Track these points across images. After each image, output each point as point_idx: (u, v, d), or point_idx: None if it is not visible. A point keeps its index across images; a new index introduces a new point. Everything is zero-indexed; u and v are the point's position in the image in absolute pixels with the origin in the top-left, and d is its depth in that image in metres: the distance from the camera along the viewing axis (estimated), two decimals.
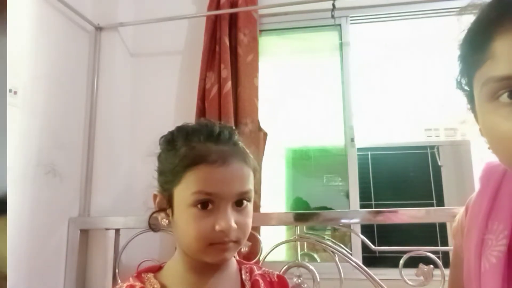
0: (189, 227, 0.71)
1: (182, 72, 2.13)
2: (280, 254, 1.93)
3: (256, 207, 1.82)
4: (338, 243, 1.65)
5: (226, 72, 1.97)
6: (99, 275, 1.75)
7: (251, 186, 0.75)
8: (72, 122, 1.83)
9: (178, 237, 0.76)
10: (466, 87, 0.61)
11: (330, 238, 1.82)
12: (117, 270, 1.70)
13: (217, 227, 0.70)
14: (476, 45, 0.55)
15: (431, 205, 1.95)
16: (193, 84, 2.03)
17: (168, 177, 0.75)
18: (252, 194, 0.76)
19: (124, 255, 1.73)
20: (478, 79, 0.56)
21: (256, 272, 0.84)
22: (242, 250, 1.58)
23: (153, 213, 0.80)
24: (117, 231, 1.76)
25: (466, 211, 0.72)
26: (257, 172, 0.80)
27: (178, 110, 2.09)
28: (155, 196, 0.79)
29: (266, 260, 1.62)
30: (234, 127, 0.84)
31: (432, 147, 2.05)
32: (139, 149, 2.02)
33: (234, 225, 0.70)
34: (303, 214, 1.73)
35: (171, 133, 0.80)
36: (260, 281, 0.82)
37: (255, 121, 1.98)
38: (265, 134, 1.98)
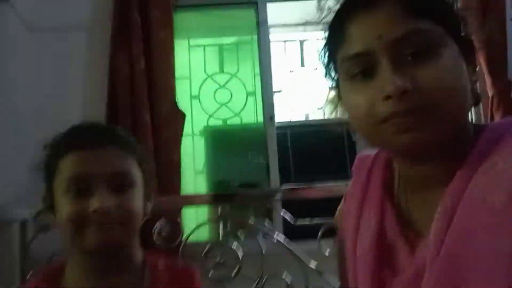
0: (63, 213, 0.70)
1: (90, 50, 1.99)
2: (204, 235, 1.92)
3: (176, 188, 1.78)
4: (261, 220, 1.67)
5: (137, 50, 1.87)
6: (5, 273, 1.60)
7: (130, 169, 0.75)
8: None
9: (63, 232, 0.73)
10: (332, 74, 0.65)
11: (252, 217, 1.84)
12: (26, 266, 1.57)
13: (91, 208, 0.69)
14: (335, 30, 0.60)
15: (347, 177, 2.04)
16: (102, 64, 1.90)
17: (45, 174, 0.76)
18: (136, 179, 0.76)
19: (36, 248, 1.59)
20: (338, 62, 0.60)
21: (161, 265, 0.81)
22: (163, 233, 1.55)
23: (38, 212, 0.80)
24: (23, 223, 1.61)
25: (345, 199, 0.76)
26: (144, 161, 0.81)
27: (87, 92, 1.95)
28: (43, 198, 0.78)
29: (189, 240, 1.59)
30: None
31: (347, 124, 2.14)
32: (47, 135, 1.85)
33: (109, 205, 0.69)
34: (224, 196, 1.74)
35: (54, 136, 0.80)
36: (164, 275, 0.80)
37: (172, 102, 1.92)
38: (183, 115, 1.93)
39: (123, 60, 1.88)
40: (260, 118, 2.14)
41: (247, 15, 2.24)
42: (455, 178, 0.55)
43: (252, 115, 2.19)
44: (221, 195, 1.70)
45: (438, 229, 0.54)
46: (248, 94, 2.20)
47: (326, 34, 0.64)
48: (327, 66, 0.65)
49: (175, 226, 1.59)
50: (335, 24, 0.61)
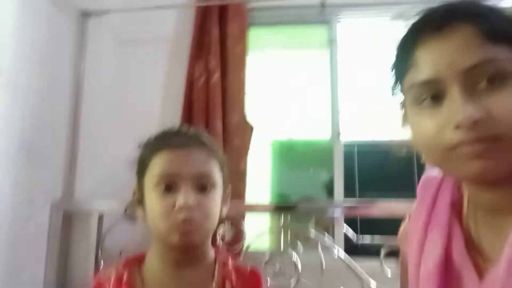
0: (154, 208, 0.76)
1: (170, 62, 2.12)
2: (265, 244, 1.94)
3: (241, 196, 1.83)
4: (322, 232, 1.66)
5: (214, 63, 1.98)
6: (82, 260, 1.74)
7: (213, 171, 0.81)
8: (56, 106, 1.81)
9: (149, 224, 0.80)
10: (399, 96, 0.64)
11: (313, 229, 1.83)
12: (100, 255, 1.69)
13: (176, 204, 0.74)
14: (403, 54, 0.59)
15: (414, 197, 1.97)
16: (180, 74, 2.02)
17: (139, 169, 0.83)
18: (217, 181, 0.81)
19: (108, 239, 1.71)
20: (405, 86, 0.59)
21: (230, 264, 0.85)
22: (226, 238, 1.59)
23: (129, 204, 0.88)
24: (101, 215, 1.74)
25: (409, 220, 0.75)
26: (224, 166, 0.86)
27: (165, 99, 2.08)
28: (134, 192, 0.86)
29: (250, 249, 1.62)
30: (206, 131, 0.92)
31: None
32: (125, 136, 2.00)
33: (192, 201, 0.74)
34: (286, 206, 1.75)
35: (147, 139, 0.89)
36: (233, 273, 0.83)
37: (242, 114, 1.99)
38: (252, 127, 1.99)
39: (200, 71, 1.99)
40: (328, 134, 2.14)
41: (319, 32, 2.27)
42: None
43: (320, 131, 2.20)
44: (283, 205, 1.71)
45: (510, 257, 0.52)
46: (318, 110, 2.21)
47: (394, 56, 0.63)
48: (393, 88, 0.64)
49: (238, 232, 1.64)
50: (404, 47, 0.60)
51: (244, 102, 2.01)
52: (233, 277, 0.82)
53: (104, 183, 1.91)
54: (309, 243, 1.65)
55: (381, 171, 2.18)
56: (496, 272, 0.53)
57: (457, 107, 0.51)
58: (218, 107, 1.94)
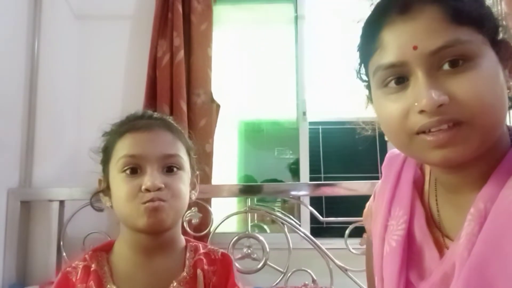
0: (120, 191, 0.75)
1: (132, 39, 2.03)
2: (231, 226, 1.95)
3: (208, 179, 1.81)
4: (288, 215, 1.69)
5: (178, 40, 1.91)
6: (42, 249, 1.68)
7: (179, 153, 0.80)
8: (9, 87, 1.71)
9: (116, 209, 0.79)
10: (364, 77, 0.65)
11: (280, 210, 1.86)
12: (61, 243, 1.64)
13: (143, 186, 0.73)
14: (368, 35, 0.59)
15: (377, 177, 2.03)
16: (143, 52, 1.94)
17: (104, 156, 0.82)
18: (183, 163, 0.80)
19: (70, 227, 1.67)
20: (371, 68, 0.59)
21: (201, 250, 0.85)
22: (193, 221, 1.59)
23: (95, 193, 0.85)
24: (62, 202, 1.69)
25: (374, 197, 0.77)
26: (191, 150, 0.86)
27: (127, 79, 2.00)
28: (100, 180, 0.84)
29: (217, 231, 1.63)
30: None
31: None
32: (86, 118, 1.92)
33: (159, 183, 0.74)
34: (254, 186, 1.76)
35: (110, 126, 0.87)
36: (204, 260, 0.82)
37: (208, 92, 1.95)
38: (218, 106, 1.95)
39: (164, 49, 1.92)
40: (294, 114, 2.14)
41: (285, 10, 2.23)
42: (489, 183, 0.54)
43: (286, 110, 2.19)
44: (249, 187, 1.72)
45: (469, 232, 0.53)
46: (283, 89, 2.20)
47: (360, 37, 0.63)
48: (358, 70, 0.65)
49: (205, 216, 1.63)
50: (369, 28, 0.60)
51: (210, 81, 1.96)
52: (204, 264, 0.82)
53: (64, 169, 1.84)
54: (276, 224, 1.68)
55: (346, 151, 2.22)
56: (455, 248, 0.55)
57: (422, 91, 0.51)
58: (183, 87, 1.89)
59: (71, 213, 1.66)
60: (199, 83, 1.94)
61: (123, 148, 0.77)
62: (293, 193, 1.67)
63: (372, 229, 0.74)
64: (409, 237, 0.64)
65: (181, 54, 1.90)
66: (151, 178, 0.73)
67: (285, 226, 1.62)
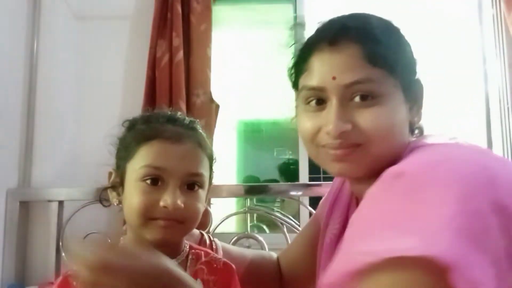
0: (134, 200, 0.71)
1: (131, 39, 2.03)
2: (231, 226, 1.95)
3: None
4: (287, 215, 1.69)
5: (178, 41, 1.90)
6: (42, 249, 1.69)
7: (204, 171, 0.75)
8: (9, 87, 1.71)
9: (125, 213, 0.75)
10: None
11: (279, 210, 1.86)
12: (61, 244, 1.64)
13: (162, 203, 0.70)
14: (301, 57, 0.69)
15: None
16: (143, 52, 1.93)
17: (123, 152, 0.76)
18: (205, 181, 0.76)
19: (69, 228, 1.67)
20: (299, 85, 0.69)
21: (203, 259, 0.83)
22: None
23: (105, 188, 0.79)
24: (61, 203, 1.69)
25: (326, 195, 0.91)
26: (213, 162, 0.81)
27: (127, 79, 2.00)
28: (110, 173, 0.79)
29: (216, 231, 1.63)
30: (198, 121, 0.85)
31: None
32: (85, 118, 1.92)
33: (180, 203, 0.70)
34: (253, 187, 1.76)
35: (135, 117, 0.81)
36: (205, 269, 0.81)
37: (207, 93, 1.94)
38: (217, 106, 1.95)
39: (163, 49, 1.91)
40: (293, 114, 2.13)
41: (285, 10, 2.24)
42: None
43: (285, 110, 2.19)
44: (249, 187, 1.72)
45: (346, 231, 0.62)
46: (283, 89, 2.20)
47: (295, 56, 0.72)
48: (294, 84, 0.74)
49: (204, 216, 1.63)
50: (303, 52, 0.69)
51: (210, 82, 1.96)
52: (205, 273, 0.81)
53: (63, 169, 1.84)
54: (275, 225, 1.68)
55: None
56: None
57: (331, 118, 0.62)
58: (182, 87, 1.89)
59: (70, 214, 1.66)
60: (198, 83, 1.93)
61: (148, 156, 0.72)
62: (292, 193, 1.67)
63: (320, 218, 0.87)
64: (341, 237, 0.72)
65: (180, 54, 1.90)
66: (172, 196, 0.70)
67: (284, 226, 1.62)
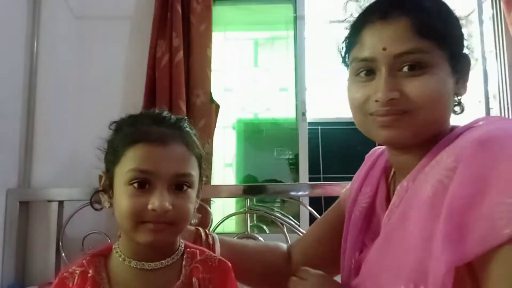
0: (123, 204, 0.71)
1: (131, 39, 2.03)
2: (230, 226, 1.95)
3: (207, 179, 1.81)
4: (287, 215, 1.69)
5: (178, 41, 1.90)
6: (41, 249, 1.68)
7: (192, 171, 0.75)
8: (9, 87, 1.71)
9: (116, 216, 0.75)
10: (347, 63, 0.76)
11: (279, 210, 1.86)
12: (60, 244, 1.64)
13: (150, 206, 0.69)
14: (352, 32, 0.73)
15: None
16: (143, 52, 1.94)
17: (111, 156, 0.75)
18: (195, 180, 0.75)
19: (69, 228, 1.67)
20: (350, 58, 0.73)
21: (198, 257, 0.82)
22: (192, 221, 1.58)
23: (96, 192, 0.79)
24: (61, 203, 1.69)
25: (353, 180, 0.93)
26: (203, 161, 0.80)
27: (127, 79, 2.00)
28: (100, 176, 0.79)
29: (216, 231, 1.63)
30: (186, 118, 0.83)
31: None
32: (85, 118, 1.92)
33: (168, 206, 0.69)
34: (253, 187, 1.76)
35: (121, 118, 0.79)
36: (200, 267, 0.80)
37: (207, 93, 1.94)
38: (217, 106, 1.95)
39: (163, 49, 1.92)
40: (293, 114, 2.14)
41: (284, 10, 2.24)
42: (414, 169, 0.67)
43: (285, 110, 2.20)
44: (249, 187, 1.72)
45: (392, 204, 0.69)
46: (281, 89, 2.20)
47: (347, 32, 0.74)
48: (343, 59, 0.76)
49: (204, 216, 1.63)
50: (353, 26, 0.72)
51: (209, 81, 1.96)
52: (200, 272, 0.81)
53: (63, 169, 1.84)
54: (275, 225, 1.68)
55: (345, 151, 2.22)
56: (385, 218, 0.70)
57: (380, 86, 0.65)
58: (182, 87, 1.89)
59: (70, 214, 1.65)
60: (198, 83, 1.94)
61: (134, 159, 0.72)
62: (292, 193, 1.67)
63: (346, 200, 0.89)
64: (371, 210, 0.79)
65: (180, 55, 1.90)
66: (160, 198, 0.69)
67: (284, 226, 1.62)
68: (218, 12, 2.14)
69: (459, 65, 0.69)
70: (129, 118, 0.78)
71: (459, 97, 0.71)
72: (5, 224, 1.65)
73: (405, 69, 0.65)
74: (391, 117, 0.65)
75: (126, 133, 0.75)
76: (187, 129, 0.79)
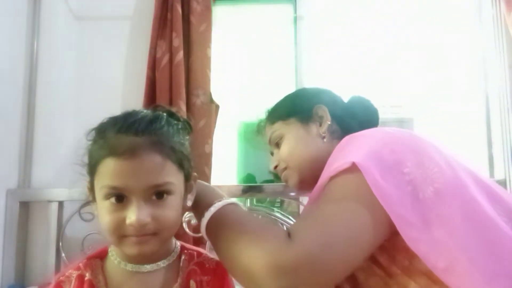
0: (104, 219, 0.70)
1: (131, 39, 2.03)
2: None
3: (207, 180, 1.81)
4: (287, 215, 1.68)
5: (178, 41, 1.90)
6: (41, 250, 1.68)
7: (169, 178, 0.72)
8: (8, 88, 1.71)
9: (102, 229, 0.74)
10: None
11: (279, 211, 1.86)
12: (60, 244, 1.64)
13: (127, 221, 0.68)
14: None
15: None
16: (143, 52, 1.94)
17: (88, 168, 0.75)
18: (173, 187, 0.73)
19: (68, 228, 1.67)
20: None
21: (195, 259, 0.83)
22: (192, 222, 1.58)
23: (86, 202, 0.80)
24: (61, 203, 1.69)
25: None
26: (185, 159, 0.77)
27: (127, 79, 2.00)
28: (87, 188, 0.78)
29: None
30: (169, 112, 0.81)
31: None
32: (85, 118, 1.90)
33: (145, 219, 0.68)
34: (252, 187, 1.76)
35: (99, 124, 0.77)
36: (197, 269, 0.81)
37: (207, 93, 1.94)
38: (217, 107, 1.95)
39: (163, 50, 1.91)
40: None
41: (285, 10, 2.24)
42: None
43: None
44: (248, 187, 1.72)
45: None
46: (281, 89, 2.20)
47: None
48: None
49: None
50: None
51: (210, 82, 1.96)
52: (198, 274, 0.81)
53: (63, 170, 1.83)
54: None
55: None
56: None
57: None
58: (182, 87, 1.89)
59: (70, 214, 1.65)
60: (198, 83, 1.93)
61: (105, 175, 0.69)
62: (292, 193, 1.67)
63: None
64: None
65: (180, 55, 1.90)
66: (135, 213, 0.67)
67: (284, 226, 1.62)
68: (218, 12, 2.13)
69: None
70: (100, 127, 0.75)
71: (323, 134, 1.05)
72: (5, 225, 1.65)
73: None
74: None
75: (97, 145, 0.72)
76: (163, 129, 0.74)
